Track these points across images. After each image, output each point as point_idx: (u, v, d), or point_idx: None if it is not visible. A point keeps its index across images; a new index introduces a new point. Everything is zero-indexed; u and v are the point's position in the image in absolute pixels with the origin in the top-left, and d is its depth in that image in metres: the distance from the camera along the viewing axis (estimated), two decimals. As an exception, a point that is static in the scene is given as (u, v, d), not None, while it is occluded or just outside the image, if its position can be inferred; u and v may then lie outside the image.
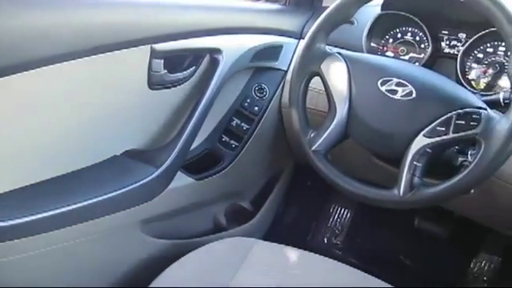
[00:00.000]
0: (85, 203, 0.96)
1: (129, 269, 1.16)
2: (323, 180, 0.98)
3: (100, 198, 0.98)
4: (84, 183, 1.00)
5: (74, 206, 0.94)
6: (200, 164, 1.26)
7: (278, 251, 1.06)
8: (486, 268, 1.56)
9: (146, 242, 1.18)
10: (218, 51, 1.14)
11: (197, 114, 1.12)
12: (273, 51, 1.28)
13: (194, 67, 1.14)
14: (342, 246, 1.74)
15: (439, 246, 1.60)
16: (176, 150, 1.10)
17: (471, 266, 1.58)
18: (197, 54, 1.15)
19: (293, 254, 1.05)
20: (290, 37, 1.31)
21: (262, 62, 1.27)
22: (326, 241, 1.76)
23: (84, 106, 0.98)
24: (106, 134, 1.06)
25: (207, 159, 1.28)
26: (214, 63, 1.15)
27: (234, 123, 1.30)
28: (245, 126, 1.29)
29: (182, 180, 1.19)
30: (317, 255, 1.04)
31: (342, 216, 1.78)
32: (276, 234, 1.60)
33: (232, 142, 1.29)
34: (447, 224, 1.57)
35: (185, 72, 1.13)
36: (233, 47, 1.17)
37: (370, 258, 1.63)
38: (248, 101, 1.30)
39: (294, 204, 1.72)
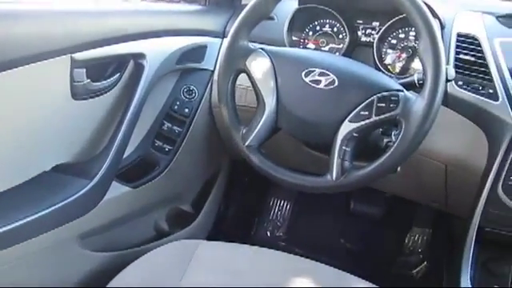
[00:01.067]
0: (17, 224, 0.92)
1: (72, 286, 1.12)
2: (260, 174, 1.00)
3: (33, 217, 0.94)
4: (14, 204, 0.96)
5: (5, 229, 0.90)
6: (135, 171, 1.24)
7: (223, 249, 1.06)
8: (419, 241, 1.66)
9: (86, 257, 1.14)
10: (141, 56, 1.12)
11: (126, 121, 1.10)
12: (198, 52, 1.28)
13: (118, 74, 1.12)
14: (285, 237, 1.78)
15: (375, 225, 1.69)
16: (108, 159, 1.08)
17: (406, 240, 1.67)
18: (120, 61, 1.13)
19: (238, 249, 1.06)
20: (214, 36, 1.32)
21: (187, 63, 1.27)
22: (269, 234, 1.79)
23: (6, 122, 0.93)
24: (32, 150, 1.02)
25: (142, 166, 1.27)
26: (138, 68, 1.13)
27: (165, 127, 1.29)
28: (177, 129, 1.29)
29: (117, 190, 1.17)
30: (262, 248, 1.06)
31: (282, 208, 1.82)
32: (220, 232, 1.61)
33: (165, 146, 1.28)
34: (381, 204, 1.66)
35: (109, 80, 1.11)
36: (157, 51, 1.17)
37: (313, 245, 1.68)
38: (178, 103, 1.29)
39: (235, 201, 1.74)
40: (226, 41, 1.01)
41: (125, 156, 1.17)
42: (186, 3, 1.39)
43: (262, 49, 0.99)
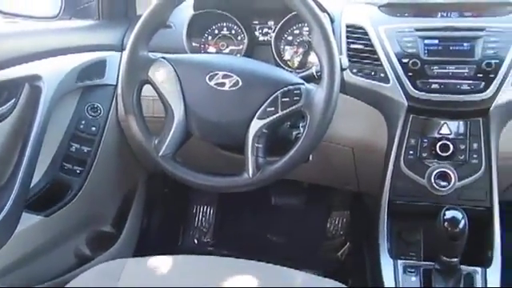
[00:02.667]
0: None
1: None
2: (179, 183, 1.00)
3: None
4: None
5: None
6: (46, 199, 1.18)
7: (151, 263, 1.04)
8: (340, 224, 1.74)
9: (3, 298, 1.07)
10: (37, 78, 1.07)
11: (29, 147, 1.04)
12: (97, 68, 1.25)
13: (13, 100, 1.06)
14: (212, 242, 1.79)
15: (298, 215, 1.74)
16: (15, 190, 1.02)
17: (328, 225, 1.75)
18: (14, 85, 1.06)
19: (166, 261, 1.05)
20: (112, 50, 1.28)
21: (88, 80, 1.23)
22: (196, 241, 1.79)
23: None
24: None
25: (53, 192, 1.21)
26: (35, 91, 1.08)
27: (73, 148, 1.24)
28: (86, 149, 1.24)
29: (29, 220, 1.11)
30: (190, 256, 1.05)
31: (206, 213, 1.82)
32: (146, 247, 1.58)
33: (76, 167, 1.24)
34: (300, 194, 1.72)
35: (4, 107, 1.04)
36: (53, 71, 1.12)
37: (241, 245, 1.70)
38: (83, 122, 1.25)
39: (157, 214, 1.71)
40: (125, 53, 0.99)
41: (33, 184, 1.11)
42: (78, 19, 1.34)
43: (163, 58, 0.98)
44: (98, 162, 1.26)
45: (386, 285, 1.00)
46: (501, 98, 1.02)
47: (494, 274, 0.99)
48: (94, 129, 1.25)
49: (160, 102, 0.99)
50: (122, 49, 1.30)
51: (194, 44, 1.26)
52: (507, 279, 1.01)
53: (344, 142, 1.17)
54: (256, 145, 0.92)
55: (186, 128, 0.97)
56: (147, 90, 1.00)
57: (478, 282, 0.98)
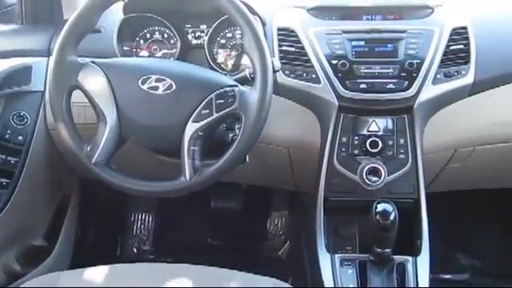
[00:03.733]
0: None
1: None
2: (115, 190, 0.98)
3: None
4: None
5: None
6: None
7: (87, 275, 1.01)
8: (279, 224, 1.77)
9: None
10: None
11: None
12: (22, 74, 1.19)
13: None
14: (152, 249, 1.76)
15: (238, 217, 1.75)
16: None
17: (268, 226, 1.77)
18: None
19: (104, 271, 1.02)
20: (38, 55, 1.23)
21: (12, 87, 1.17)
22: (135, 250, 1.75)
23: None
24: None
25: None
26: None
27: (-2, 160, 1.18)
28: (12, 160, 1.18)
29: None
30: (126, 264, 1.03)
31: (145, 221, 1.79)
32: (82, 260, 1.52)
33: (2, 179, 1.17)
34: (239, 196, 1.73)
35: None
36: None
37: (182, 251, 1.68)
38: (8, 132, 1.18)
39: (93, 223, 1.65)
40: (52, 58, 0.96)
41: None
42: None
43: (92, 62, 0.96)
44: (26, 173, 1.20)
45: (324, 278, 1.02)
46: (423, 96, 1.08)
47: (424, 261, 1.04)
48: (20, 138, 1.19)
49: (91, 109, 0.97)
50: (48, 54, 1.24)
51: (125, 48, 1.23)
52: (435, 266, 1.07)
53: (279, 142, 1.20)
54: (192, 148, 0.92)
55: (120, 133, 0.96)
56: (78, 96, 0.98)
57: (410, 270, 1.03)
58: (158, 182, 0.96)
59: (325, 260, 1.06)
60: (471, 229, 1.71)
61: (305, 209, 1.44)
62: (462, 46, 1.11)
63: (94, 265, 1.04)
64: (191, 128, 0.91)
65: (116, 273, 0.98)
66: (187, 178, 0.92)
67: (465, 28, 1.13)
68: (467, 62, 1.11)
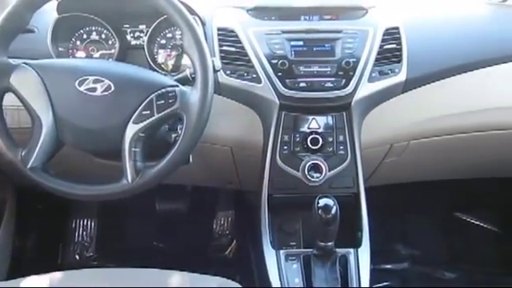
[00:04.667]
0: None
1: None
2: (53, 196, 0.94)
3: None
4: None
5: None
6: None
7: (24, 284, 0.97)
8: (225, 223, 1.78)
9: None
10: None
11: None
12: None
13: None
14: (96, 255, 1.71)
15: (183, 219, 1.74)
16: None
17: (214, 226, 1.77)
18: None
19: (41, 280, 0.98)
20: None
21: None
22: (78, 257, 1.70)
23: None
24: None
25: None
26: None
27: None
28: None
29: None
30: (66, 271, 1.00)
31: (87, 227, 1.74)
32: (20, 269, 1.46)
33: None
34: (184, 198, 1.72)
35: None
36: None
37: (127, 255, 1.65)
38: None
39: (32, 231, 1.59)
40: (-19, 60, 0.91)
41: None
42: None
43: (25, 63, 0.92)
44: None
45: (269, 274, 1.04)
46: (360, 93, 1.12)
47: (365, 253, 1.09)
48: None
49: (26, 112, 0.93)
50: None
51: (60, 49, 1.19)
52: (376, 257, 1.11)
53: (222, 141, 1.20)
54: (133, 149, 0.90)
55: (57, 137, 0.93)
56: (11, 99, 0.93)
57: (352, 261, 1.07)
58: (98, 185, 0.94)
59: (270, 256, 1.08)
60: (409, 220, 1.79)
61: (250, 207, 1.45)
62: (394, 46, 1.16)
63: (33, 274, 1.01)
64: (132, 129, 0.90)
65: (56, 281, 0.95)
66: (129, 181, 0.90)
67: (397, 28, 1.19)
68: (400, 61, 1.16)
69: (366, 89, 1.13)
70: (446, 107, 1.23)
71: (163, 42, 1.22)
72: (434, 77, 1.21)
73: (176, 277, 0.94)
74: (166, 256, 1.70)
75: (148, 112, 0.90)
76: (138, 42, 1.22)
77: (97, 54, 1.22)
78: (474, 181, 1.53)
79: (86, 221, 1.73)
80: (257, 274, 1.23)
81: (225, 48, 1.14)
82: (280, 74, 1.11)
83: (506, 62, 1.24)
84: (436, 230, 1.81)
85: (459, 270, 1.65)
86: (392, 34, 1.17)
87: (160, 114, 0.90)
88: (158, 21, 1.18)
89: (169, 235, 1.75)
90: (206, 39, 1.09)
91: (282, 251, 1.09)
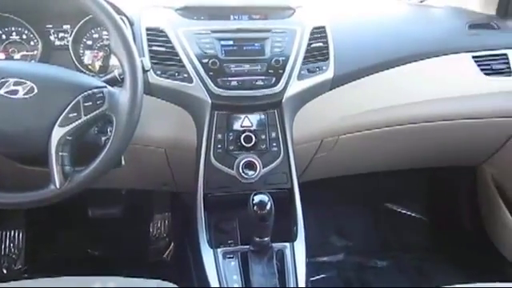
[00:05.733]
0: None
1: None
2: None
3: None
4: None
5: None
6: None
7: None
8: (162, 226, 1.75)
9: None
10: None
11: None
12: None
13: None
14: (25, 268, 1.63)
15: (119, 224, 1.70)
16: None
17: (151, 230, 1.74)
18: None
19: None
20: None
21: None
22: (5, 271, 1.60)
23: None
24: None
25: None
26: None
27: None
28: None
29: None
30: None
31: (15, 238, 1.65)
32: None
33: None
34: (119, 202, 1.68)
35: None
36: None
37: (60, 265, 1.59)
38: None
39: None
40: None
41: None
42: None
43: None
44: None
45: (208, 273, 1.04)
46: (290, 91, 1.15)
47: (300, 246, 1.10)
48: None
49: None
50: None
51: (-23, 51, 1.13)
52: (312, 250, 1.14)
53: (156, 143, 1.19)
54: (60, 153, 0.87)
55: (-24, 144, 0.87)
56: None
57: (288, 255, 1.08)
58: (24, 192, 0.89)
59: (208, 256, 1.08)
60: (343, 212, 1.85)
61: (186, 208, 1.44)
62: (321, 44, 1.20)
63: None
64: (58, 133, 0.86)
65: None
66: (57, 186, 0.87)
67: (323, 27, 1.23)
68: (327, 59, 1.20)
69: (295, 86, 1.15)
70: (372, 102, 1.29)
71: (89, 42, 1.18)
72: (360, 74, 1.26)
73: (111, 282, 0.92)
74: (102, 263, 1.65)
75: (75, 114, 0.87)
76: (62, 43, 1.18)
77: (18, 56, 1.16)
78: (402, 172, 1.61)
79: (13, 232, 1.64)
80: (195, 274, 1.22)
81: (154, 48, 1.13)
82: (211, 73, 1.11)
83: (425, 59, 1.32)
84: (368, 220, 1.88)
85: (390, 257, 1.73)
86: (319, 33, 1.21)
87: (88, 116, 0.87)
88: (83, 21, 1.14)
89: (104, 242, 1.70)
90: (134, 39, 1.08)
91: (219, 250, 1.09)
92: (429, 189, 1.89)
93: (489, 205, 1.62)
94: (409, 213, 1.91)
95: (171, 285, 0.93)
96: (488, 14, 1.50)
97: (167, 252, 1.70)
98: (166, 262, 1.69)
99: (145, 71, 0.94)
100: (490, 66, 1.34)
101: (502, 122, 1.39)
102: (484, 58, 1.35)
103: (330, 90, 1.22)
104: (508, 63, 1.36)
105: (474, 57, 1.35)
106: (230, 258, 1.08)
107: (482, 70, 1.34)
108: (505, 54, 1.36)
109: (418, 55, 1.31)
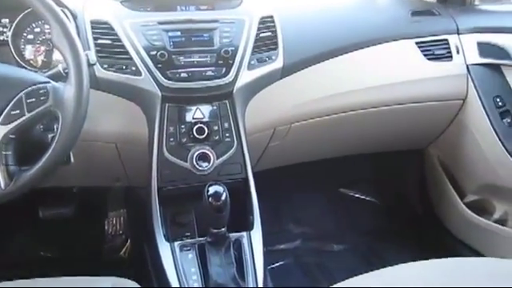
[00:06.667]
0: None
1: None
2: None
3: None
4: None
5: None
6: None
7: None
8: (117, 223, 1.72)
9: None
10: None
11: None
12: None
13: None
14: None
15: (72, 224, 1.65)
16: None
17: (106, 228, 1.70)
18: None
19: None
20: None
21: None
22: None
23: None
24: None
25: None
26: None
27: None
28: None
29: None
30: None
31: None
32: None
33: None
34: (71, 201, 1.63)
35: None
36: None
37: (11, 271, 1.52)
38: None
39: None
40: None
41: None
42: None
43: None
44: None
45: (165, 267, 1.03)
46: (241, 81, 1.15)
47: (257, 235, 1.11)
48: None
49: None
50: None
51: None
52: (269, 238, 1.15)
53: (106, 138, 1.16)
54: (4, 153, 0.84)
55: None
56: None
57: (245, 244, 1.09)
58: None
59: (164, 250, 1.07)
60: (298, 199, 1.88)
61: (141, 203, 1.42)
62: (270, 34, 1.21)
63: None
64: (0, 131, 0.83)
65: None
66: (1, 187, 0.83)
67: (271, 17, 1.23)
68: (276, 48, 1.21)
69: (246, 76, 1.16)
70: (321, 90, 1.31)
71: (31, 36, 1.14)
72: (309, 62, 1.28)
73: (65, 282, 0.89)
74: (56, 265, 1.60)
75: (17, 112, 0.83)
76: (1, 38, 1.12)
77: None
78: (354, 157, 1.65)
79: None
80: (152, 269, 1.21)
81: (100, 41, 1.10)
82: (160, 65, 1.10)
83: (371, 46, 1.36)
84: (323, 206, 1.92)
85: (346, 241, 1.77)
86: (267, 23, 1.22)
87: (31, 113, 0.84)
88: (22, 14, 1.10)
89: (57, 243, 1.65)
90: (78, 33, 1.05)
91: (176, 243, 1.08)
92: (380, 173, 1.95)
93: (436, 185, 1.69)
94: (362, 197, 1.97)
95: (128, 282, 0.92)
96: (429, 1, 1.56)
97: (124, 249, 1.67)
98: (124, 259, 1.66)
99: (90, 65, 0.91)
100: (432, 51, 1.40)
101: (445, 105, 1.45)
102: (426, 44, 1.40)
103: (281, 78, 1.24)
104: (449, 48, 1.42)
105: (417, 43, 1.40)
106: (187, 250, 1.07)
107: (425, 55, 1.40)
108: (445, 40, 1.42)
109: (364, 42, 1.35)
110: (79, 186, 1.49)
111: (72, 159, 0.97)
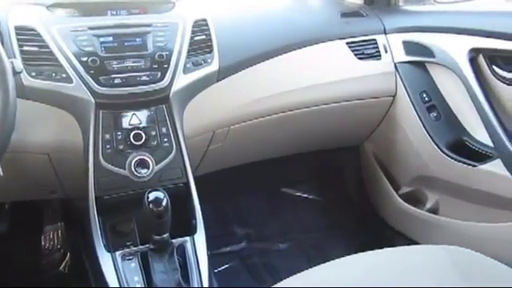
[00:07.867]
0: None
1: None
2: None
3: None
4: None
5: None
6: None
7: None
8: (55, 237, 1.65)
9: None
10: None
11: None
12: None
13: None
14: None
15: (4, 242, 1.56)
16: None
17: (42, 242, 1.63)
18: None
19: None
20: None
21: None
22: None
23: None
24: None
25: None
26: None
27: None
28: None
29: None
30: None
31: None
32: None
33: None
34: (3, 217, 1.55)
35: None
36: None
37: None
38: None
39: None
40: None
41: None
42: None
43: None
44: None
45: (107, 278, 1.00)
46: (177, 85, 1.14)
47: (200, 239, 1.11)
48: None
49: None
50: None
51: None
52: (214, 242, 1.15)
53: (37, 149, 1.12)
54: None
55: None
56: None
57: (189, 249, 1.08)
58: None
59: (106, 260, 1.04)
60: (242, 201, 1.89)
61: (80, 215, 1.38)
62: (204, 37, 1.21)
63: None
64: None
65: None
66: None
67: (205, 20, 1.23)
68: (211, 51, 1.21)
69: (182, 80, 1.15)
70: (258, 92, 1.33)
71: None
72: (245, 64, 1.29)
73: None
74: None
75: None
76: None
77: None
78: (294, 157, 1.68)
79: None
80: (94, 282, 1.17)
81: (26, 48, 1.06)
82: (92, 71, 1.07)
83: (304, 47, 1.39)
84: (267, 206, 1.94)
85: (290, 239, 1.80)
86: (201, 26, 1.22)
87: None
88: None
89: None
90: (2, 39, 1.00)
91: (117, 252, 1.06)
92: (320, 171, 1.99)
93: (373, 179, 1.75)
94: (305, 195, 2.00)
95: None
96: (357, 3, 1.62)
97: (63, 264, 1.61)
98: (64, 274, 1.59)
99: (16, 73, 0.87)
100: (361, 51, 1.46)
101: (377, 101, 1.51)
102: (356, 44, 1.46)
103: (217, 81, 1.24)
104: (377, 47, 1.48)
105: (347, 43, 1.45)
106: (129, 259, 1.05)
107: (355, 55, 1.45)
108: (374, 40, 1.48)
109: (297, 44, 1.38)
110: (11, 201, 1.42)
111: (1, 173, 0.93)
